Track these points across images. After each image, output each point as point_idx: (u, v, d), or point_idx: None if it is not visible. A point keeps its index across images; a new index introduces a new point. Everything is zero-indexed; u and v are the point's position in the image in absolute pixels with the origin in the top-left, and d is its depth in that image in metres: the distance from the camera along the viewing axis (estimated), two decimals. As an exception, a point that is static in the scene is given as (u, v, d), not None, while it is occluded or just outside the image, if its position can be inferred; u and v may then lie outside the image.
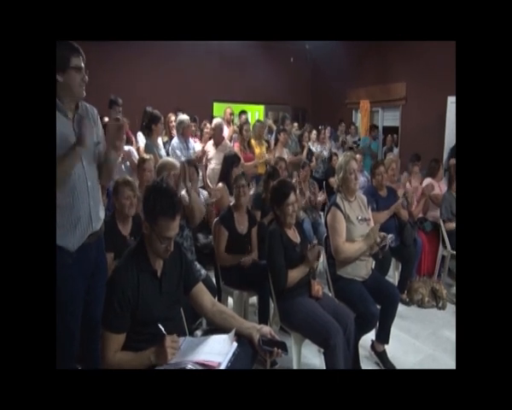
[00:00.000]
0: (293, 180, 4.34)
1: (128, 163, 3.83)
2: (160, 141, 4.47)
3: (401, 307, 3.14)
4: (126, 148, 3.85)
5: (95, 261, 2.05)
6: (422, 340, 3.17)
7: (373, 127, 7.66)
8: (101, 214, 2.09)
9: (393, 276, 3.95)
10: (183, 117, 4.66)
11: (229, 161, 3.90)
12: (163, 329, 1.59)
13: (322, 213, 4.69)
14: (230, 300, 3.16)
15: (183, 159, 3.46)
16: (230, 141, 5.30)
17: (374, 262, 2.94)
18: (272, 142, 5.78)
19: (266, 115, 9.68)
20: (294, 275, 2.42)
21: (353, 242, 2.71)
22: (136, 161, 3.65)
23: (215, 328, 1.81)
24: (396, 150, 7.50)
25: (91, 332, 2.06)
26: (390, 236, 2.70)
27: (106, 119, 4.49)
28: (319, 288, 2.51)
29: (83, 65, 1.87)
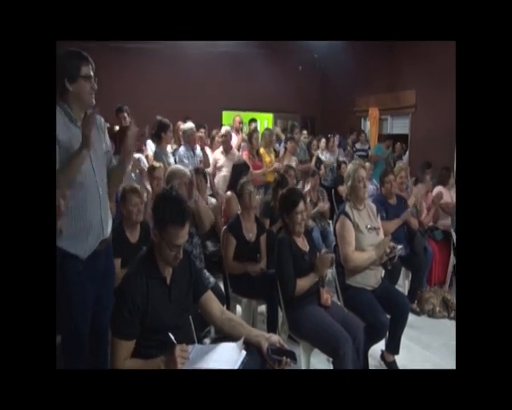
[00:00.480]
0: (305, 189, 4.33)
1: (138, 171, 3.86)
2: (169, 149, 4.51)
3: (411, 317, 3.10)
4: (136, 155, 3.88)
5: (104, 268, 2.07)
6: (433, 351, 3.12)
7: (386, 137, 7.57)
8: (110, 221, 2.11)
9: (403, 285, 3.91)
10: (188, 125, 4.68)
11: (238, 170, 3.92)
12: (173, 338, 1.59)
13: (330, 222, 4.68)
14: (239, 308, 3.15)
15: (190, 167, 3.48)
16: (239, 149, 5.32)
17: (383, 271, 2.92)
18: (281, 150, 5.79)
19: (275, 124, 9.71)
20: (303, 284, 2.41)
21: (363, 251, 2.69)
22: (145, 169, 3.68)
23: (224, 336, 1.80)
24: (405, 158, 7.46)
25: (99, 340, 2.07)
26: (400, 247, 2.68)
27: (116, 127, 4.55)
28: (328, 296, 2.49)
29: (92, 73, 1.90)
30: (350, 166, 2.93)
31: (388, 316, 2.60)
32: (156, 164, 3.43)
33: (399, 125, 8.25)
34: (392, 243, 2.66)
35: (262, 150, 5.06)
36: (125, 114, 4.41)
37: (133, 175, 3.81)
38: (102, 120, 2.09)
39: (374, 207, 2.96)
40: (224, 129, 4.97)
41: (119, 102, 4.65)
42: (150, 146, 4.61)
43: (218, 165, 4.79)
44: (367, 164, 4.79)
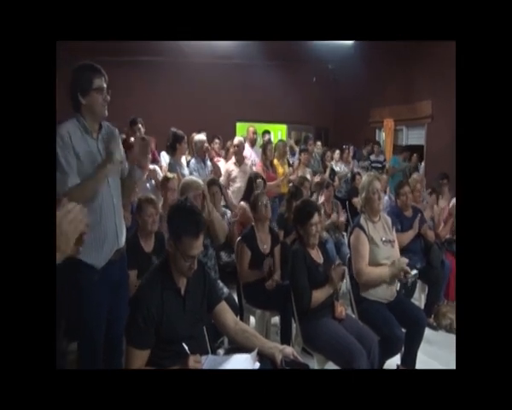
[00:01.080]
0: (320, 200, 4.31)
1: (153, 181, 3.91)
2: (183, 160, 4.55)
3: (428, 332, 3.04)
4: (151, 166, 3.93)
5: (118, 278, 2.09)
6: (451, 366, 3.05)
7: (403, 149, 7.47)
8: (124, 232, 2.14)
9: (419, 299, 3.83)
10: (198, 137, 4.68)
11: (252, 181, 3.94)
12: (187, 348, 1.59)
13: (345, 234, 4.64)
14: (252, 319, 3.14)
15: (201, 179, 3.49)
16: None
17: (399, 284, 2.88)
18: (295, 162, 5.80)
19: (289, 135, 9.74)
20: (319, 295, 2.39)
21: (377, 264, 2.66)
22: (160, 180, 3.72)
23: (237, 347, 1.80)
24: (421, 169, 7.37)
25: (114, 350, 2.08)
26: (414, 272, 2.63)
27: (132, 139, 4.62)
28: (342, 309, 2.47)
29: (104, 85, 1.93)
30: (364, 178, 2.91)
31: (404, 330, 2.56)
32: (170, 175, 3.46)
33: (415, 136, 8.17)
34: (407, 267, 2.59)
35: (276, 162, 5.07)
36: (140, 126, 4.47)
37: (148, 185, 3.86)
38: (117, 130, 2.14)
39: (389, 219, 2.92)
40: (236, 139, 4.99)
41: (135, 114, 4.71)
42: (164, 157, 4.65)
43: (232, 176, 4.81)
44: (383, 176, 4.75)
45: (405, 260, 2.65)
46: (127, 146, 2.29)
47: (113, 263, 2.02)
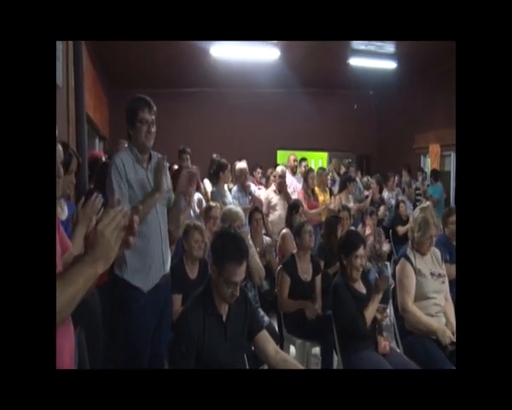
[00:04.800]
0: (366, 232, 4.21)
1: (197, 209, 4.01)
2: (226, 188, 4.65)
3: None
4: (197, 196, 4.04)
5: (163, 303, 2.16)
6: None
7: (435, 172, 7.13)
8: (170, 258, 2.22)
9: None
10: (238, 165, 4.71)
11: (292, 208, 3.97)
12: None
13: (388, 263, 4.51)
14: (292, 348, 3.10)
15: (241, 207, 3.54)
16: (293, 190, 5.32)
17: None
18: (335, 190, 5.76)
19: (329, 162, 9.70)
20: (369, 315, 2.33)
21: (425, 297, 2.51)
22: (203, 208, 3.81)
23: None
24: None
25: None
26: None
27: (175, 166, 4.79)
28: (386, 344, 2.38)
29: (149, 117, 2.03)
30: (419, 214, 2.62)
31: (454, 368, 2.41)
32: (213, 204, 3.55)
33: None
34: (452, 338, 2.36)
35: (317, 189, 5.07)
36: (187, 156, 4.63)
37: (192, 213, 3.97)
38: (165, 161, 2.25)
39: (438, 252, 2.71)
40: (279, 169, 5.03)
41: (177, 143, 4.87)
42: (207, 185, 4.77)
43: (272, 204, 4.84)
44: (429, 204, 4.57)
45: (451, 337, 2.39)
46: (174, 176, 2.40)
47: (159, 288, 2.09)
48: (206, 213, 3.43)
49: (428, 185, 7.02)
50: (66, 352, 1.04)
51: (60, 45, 3.23)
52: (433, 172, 7.12)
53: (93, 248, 0.91)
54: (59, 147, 1.81)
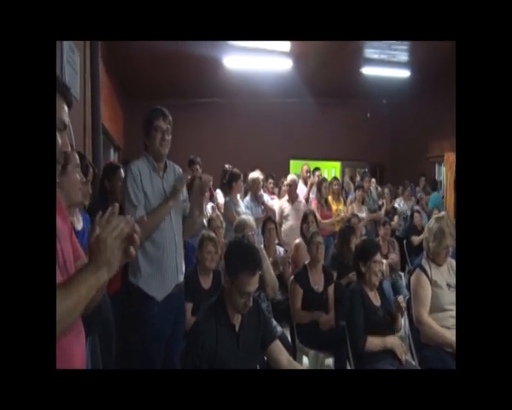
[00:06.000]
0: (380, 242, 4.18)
1: (205, 220, 4.02)
2: (239, 198, 4.66)
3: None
4: (210, 205, 4.05)
5: (176, 312, 2.17)
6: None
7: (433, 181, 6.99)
8: (184, 267, 2.23)
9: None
10: (251, 175, 4.68)
11: (307, 218, 3.97)
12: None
13: (402, 274, 4.45)
14: (305, 359, 3.07)
15: (254, 217, 3.55)
16: (307, 201, 5.31)
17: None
18: (348, 200, 5.73)
19: (343, 172, 9.66)
20: (375, 342, 2.30)
21: (442, 309, 2.45)
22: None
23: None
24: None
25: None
26: None
27: (188, 176, 4.81)
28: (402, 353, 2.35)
29: (163, 125, 2.06)
30: (434, 224, 2.57)
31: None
32: (213, 215, 3.56)
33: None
34: None
35: (330, 199, 5.06)
36: (197, 166, 4.64)
37: (205, 222, 3.99)
38: (181, 170, 2.27)
39: (454, 262, 2.61)
40: (289, 178, 5.04)
41: (189, 153, 4.89)
42: (220, 195, 4.79)
43: (284, 214, 4.83)
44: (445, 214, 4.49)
45: None
46: (188, 185, 2.42)
47: (173, 297, 2.10)
48: (208, 225, 3.43)
49: (443, 197, 6.94)
50: (78, 357, 1.04)
51: (78, 59, 3.31)
52: (431, 181, 7.02)
53: (95, 256, 0.91)
54: (76, 155, 1.86)
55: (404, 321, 2.89)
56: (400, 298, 2.42)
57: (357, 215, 4.38)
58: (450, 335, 2.36)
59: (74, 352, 1.02)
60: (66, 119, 1.02)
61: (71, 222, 1.91)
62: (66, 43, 2.90)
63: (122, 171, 2.66)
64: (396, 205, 5.89)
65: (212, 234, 2.92)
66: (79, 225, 2.00)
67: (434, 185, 6.80)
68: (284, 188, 5.33)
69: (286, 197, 4.95)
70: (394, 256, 4.28)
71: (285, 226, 4.77)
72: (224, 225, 3.49)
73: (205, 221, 3.94)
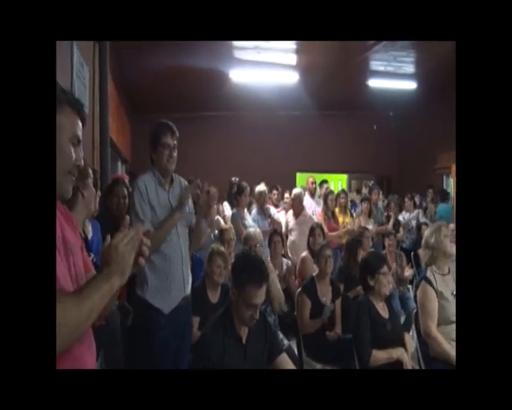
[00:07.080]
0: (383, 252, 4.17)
1: (217, 232, 4.03)
2: (246, 211, 4.66)
3: None
4: (216, 218, 4.05)
5: (183, 324, 2.16)
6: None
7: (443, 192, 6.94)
8: (191, 280, 2.23)
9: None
10: (258, 188, 4.70)
11: (311, 231, 3.96)
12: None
13: (410, 287, 4.40)
14: (313, 374, 3.04)
15: (259, 230, 3.54)
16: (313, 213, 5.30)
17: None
18: (357, 211, 5.71)
19: (349, 184, 9.64)
20: (380, 356, 2.27)
21: (449, 321, 2.43)
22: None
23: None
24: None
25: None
26: None
27: (196, 190, 4.83)
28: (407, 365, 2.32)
29: (171, 142, 2.08)
30: (428, 232, 2.68)
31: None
32: (225, 226, 3.54)
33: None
34: None
35: (337, 212, 5.04)
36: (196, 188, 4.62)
37: (213, 236, 3.99)
38: (186, 182, 2.29)
39: None
40: (294, 191, 5.04)
41: (197, 166, 4.91)
42: (227, 208, 4.80)
43: (289, 228, 4.81)
44: (450, 225, 4.46)
45: None
46: (194, 198, 2.44)
47: (180, 309, 2.10)
48: (220, 237, 3.43)
49: (452, 207, 6.87)
50: (89, 367, 1.05)
51: (87, 74, 3.36)
52: (441, 192, 6.96)
53: (108, 264, 0.93)
54: (90, 169, 1.93)
55: (412, 334, 2.85)
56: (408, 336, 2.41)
57: (367, 228, 4.36)
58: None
59: (87, 363, 1.03)
60: (80, 134, 1.04)
61: (84, 231, 1.95)
62: (76, 58, 2.95)
63: (119, 187, 2.65)
64: (400, 218, 5.86)
65: (222, 248, 2.91)
66: (89, 235, 2.04)
67: (445, 196, 6.73)
68: (286, 201, 5.32)
69: (291, 212, 4.95)
70: (411, 271, 4.24)
71: (288, 241, 4.76)
72: (235, 237, 3.49)
73: (215, 233, 3.94)
